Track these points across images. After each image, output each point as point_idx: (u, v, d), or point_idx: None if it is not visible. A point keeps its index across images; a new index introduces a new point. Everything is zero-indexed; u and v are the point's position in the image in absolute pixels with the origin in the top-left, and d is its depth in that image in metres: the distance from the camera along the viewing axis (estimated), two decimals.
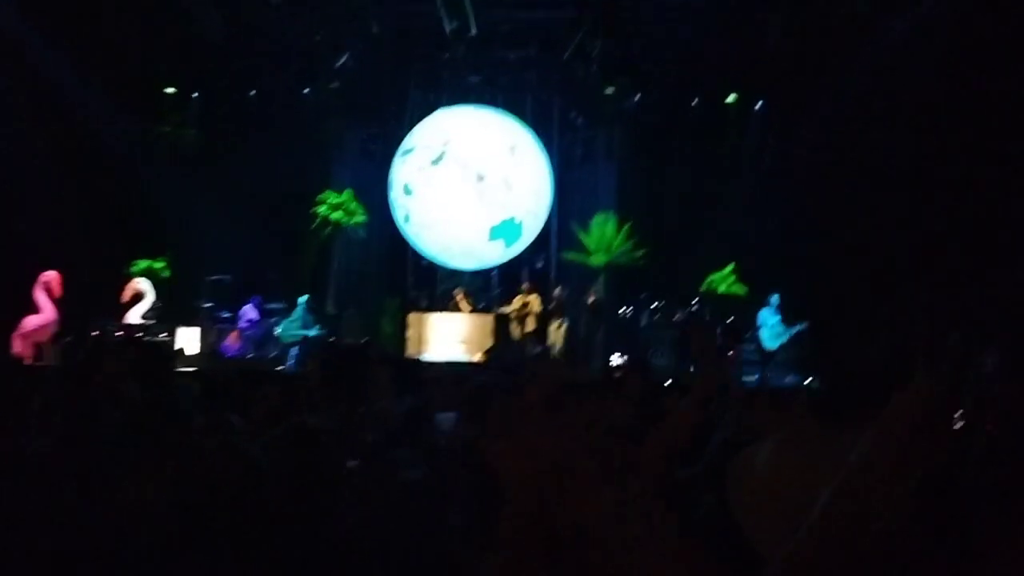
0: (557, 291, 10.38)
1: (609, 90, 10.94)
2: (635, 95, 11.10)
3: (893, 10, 8.97)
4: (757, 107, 10.97)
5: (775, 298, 9.58)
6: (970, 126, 9.37)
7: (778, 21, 9.80)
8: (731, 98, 10.87)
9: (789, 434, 1.03)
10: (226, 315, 9.97)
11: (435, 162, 10.42)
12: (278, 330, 9.64)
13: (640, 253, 10.53)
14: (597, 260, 10.99)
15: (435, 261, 11.21)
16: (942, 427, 0.77)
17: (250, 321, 9.94)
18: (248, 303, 9.95)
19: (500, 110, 11.10)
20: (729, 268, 10.29)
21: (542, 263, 11.61)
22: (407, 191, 10.57)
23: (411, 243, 11.08)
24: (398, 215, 10.83)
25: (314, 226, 10.98)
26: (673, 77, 10.85)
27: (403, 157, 10.77)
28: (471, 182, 10.35)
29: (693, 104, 11.02)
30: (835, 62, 9.84)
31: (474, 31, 9.98)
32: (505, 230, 10.65)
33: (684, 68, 10.71)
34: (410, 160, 10.64)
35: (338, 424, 2.86)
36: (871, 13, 9.15)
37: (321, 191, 11.19)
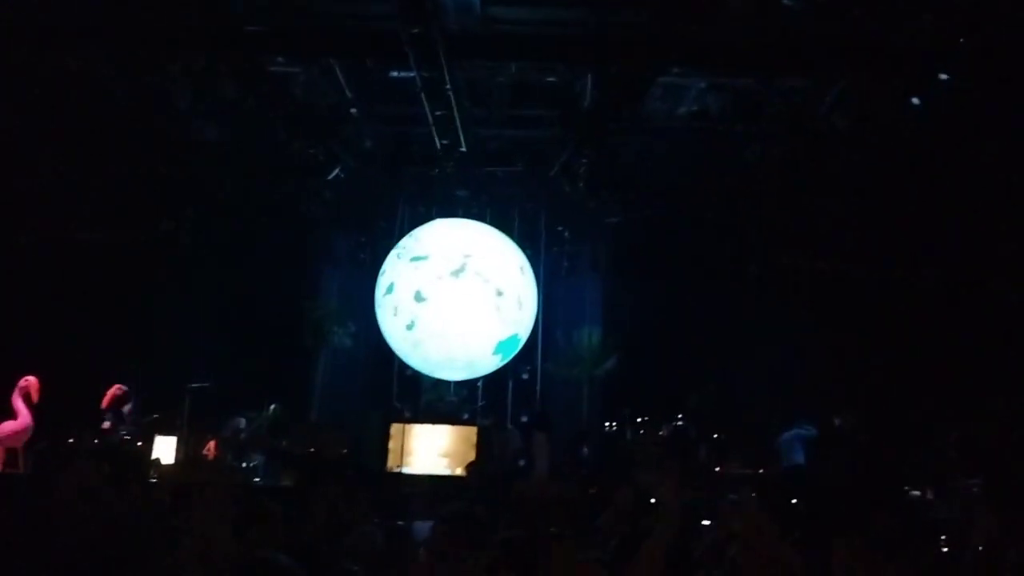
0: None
1: (593, 205, 11.21)
2: (620, 210, 11.37)
3: (873, 129, 9.28)
4: (740, 225, 11.23)
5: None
6: (948, 248, 9.61)
7: (760, 139, 10.15)
8: None
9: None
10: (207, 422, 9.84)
11: (455, 273, 10.55)
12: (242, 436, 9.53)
13: (624, 366, 10.57)
14: (581, 373, 11.00)
15: (421, 370, 11.14)
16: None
17: (233, 429, 9.82)
18: (233, 413, 9.87)
19: (489, 225, 11.33)
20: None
21: (527, 375, 11.59)
22: (419, 298, 10.58)
23: (398, 350, 10.98)
24: (396, 321, 10.73)
25: (303, 334, 11.00)
26: (657, 192, 11.14)
27: (413, 263, 10.79)
28: (491, 297, 10.53)
29: (677, 220, 11.28)
30: (819, 180, 10.14)
31: (464, 148, 10.27)
32: (507, 345, 10.86)
33: (668, 183, 11.00)
34: (424, 267, 10.70)
35: (311, 550, 2.80)
36: (852, 133, 9.48)
37: (308, 298, 11.24)
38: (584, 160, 10.55)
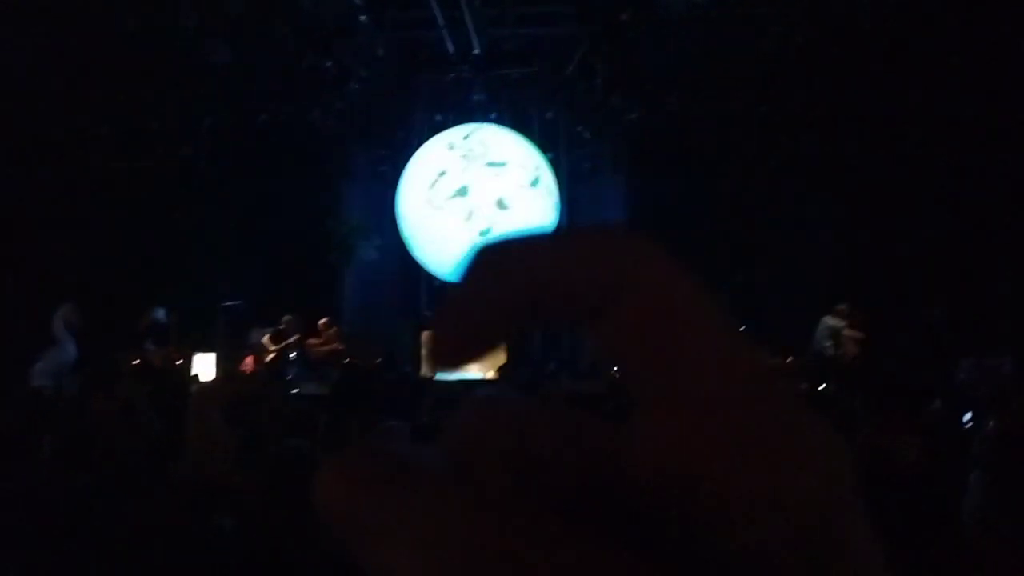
0: None
1: (612, 102, 11.00)
2: (640, 106, 11.15)
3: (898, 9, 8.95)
4: (765, 114, 10.96)
5: None
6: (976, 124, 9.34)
7: (781, 21, 9.82)
8: None
9: None
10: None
11: (533, 184, 10.58)
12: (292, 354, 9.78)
13: None
14: None
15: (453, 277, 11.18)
16: None
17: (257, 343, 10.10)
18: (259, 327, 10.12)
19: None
20: None
21: None
22: (502, 206, 10.56)
23: (448, 254, 10.83)
24: (469, 225, 10.57)
25: (328, 249, 11.09)
26: (677, 85, 10.89)
27: (491, 168, 10.70)
28: (553, 210, 10.66)
29: (698, 114, 11.04)
30: (844, 62, 9.84)
31: (477, 50, 10.07)
32: None
33: (688, 75, 10.74)
34: (505, 175, 10.67)
35: (345, 443, 2.91)
36: (874, 14, 9.15)
37: (332, 214, 11.28)
38: (601, 56, 10.31)
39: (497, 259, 0.25)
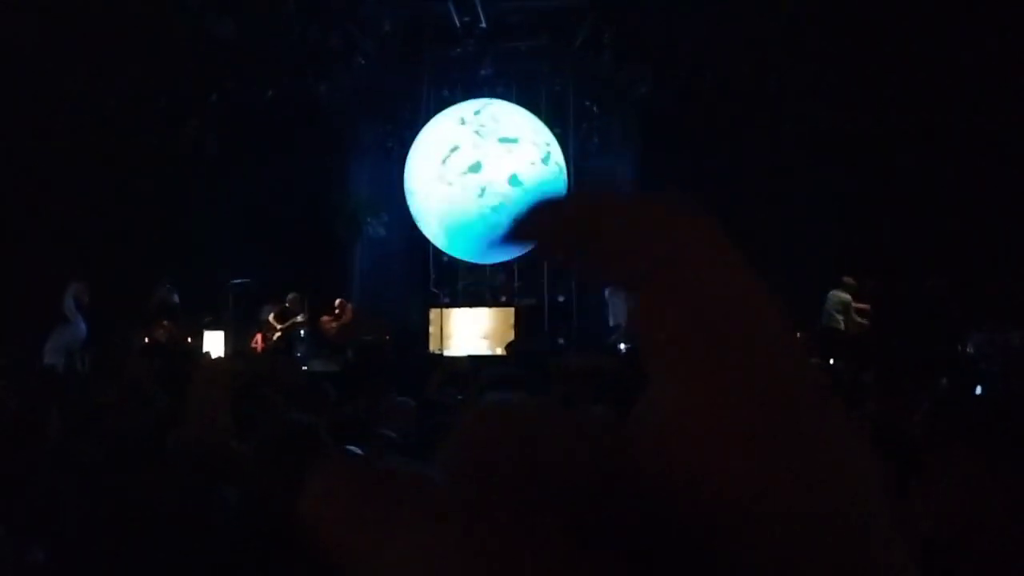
0: None
1: (621, 75, 10.90)
2: (649, 79, 11.04)
3: None
4: (773, 87, 10.84)
5: None
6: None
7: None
8: None
9: None
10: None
11: (544, 160, 10.49)
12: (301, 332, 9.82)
13: None
14: None
15: (467, 255, 11.12)
16: None
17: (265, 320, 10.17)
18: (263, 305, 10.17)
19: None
20: None
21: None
22: (515, 182, 10.43)
23: (460, 228, 10.75)
24: (482, 202, 10.42)
25: (336, 225, 11.08)
26: (686, 60, 10.77)
27: (504, 144, 10.57)
28: (561, 186, 10.55)
29: (708, 86, 10.93)
30: (859, 31, 9.71)
31: (484, 24, 9.98)
32: None
33: (697, 50, 10.62)
34: (516, 151, 10.58)
35: (353, 418, 2.92)
36: None
37: (339, 190, 11.24)
38: (609, 28, 10.20)
39: (558, 209, 0.27)
